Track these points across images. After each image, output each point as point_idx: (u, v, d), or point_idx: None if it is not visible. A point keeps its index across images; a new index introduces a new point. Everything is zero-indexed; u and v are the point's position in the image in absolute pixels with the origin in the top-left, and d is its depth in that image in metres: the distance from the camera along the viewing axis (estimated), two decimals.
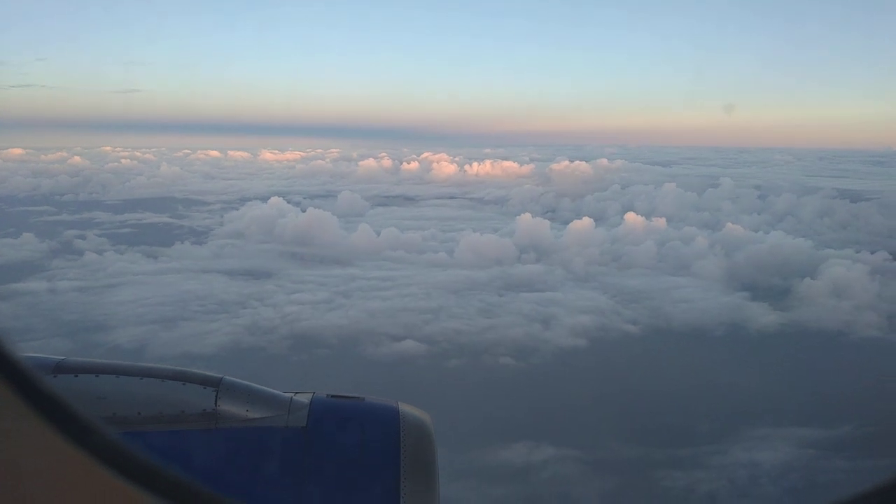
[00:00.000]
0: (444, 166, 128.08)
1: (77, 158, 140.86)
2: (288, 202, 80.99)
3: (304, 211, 71.49)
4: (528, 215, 57.55)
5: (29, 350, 1.96)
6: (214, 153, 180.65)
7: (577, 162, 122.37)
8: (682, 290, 41.32)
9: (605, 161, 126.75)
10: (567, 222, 68.81)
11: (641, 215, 77.27)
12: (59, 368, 2.15)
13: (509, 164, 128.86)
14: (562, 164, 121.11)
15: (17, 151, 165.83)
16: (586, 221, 55.93)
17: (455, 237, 56.58)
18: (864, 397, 30.41)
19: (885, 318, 38.87)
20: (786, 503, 23.38)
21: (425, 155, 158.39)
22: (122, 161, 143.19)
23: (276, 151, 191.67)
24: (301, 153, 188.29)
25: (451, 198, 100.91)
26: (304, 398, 2.29)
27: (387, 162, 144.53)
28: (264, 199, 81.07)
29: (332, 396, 2.33)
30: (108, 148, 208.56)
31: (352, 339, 30.84)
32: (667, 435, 27.19)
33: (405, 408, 2.32)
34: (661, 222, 59.42)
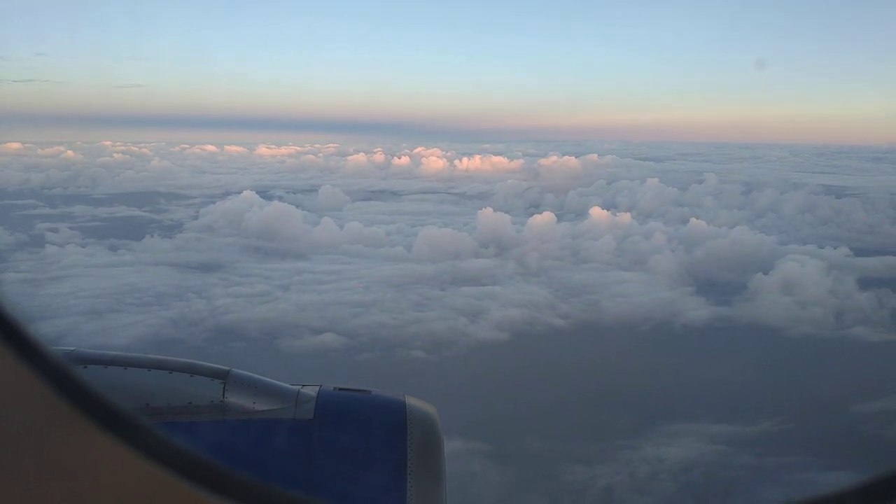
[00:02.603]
0: (433, 161, 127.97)
1: (70, 153, 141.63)
2: (266, 197, 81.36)
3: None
4: (489, 209, 57.41)
5: None
6: (211, 148, 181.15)
7: (565, 157, 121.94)
8: (628, 284, 41.07)
9: (594, 156, 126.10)
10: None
11: (623, 210, 77.32)
12: (68, 360, 2.09)
13: (498, 160, 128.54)
14: (550, 160, 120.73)
15: (15, 146, 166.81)
16: (547, 216, 55.72)
17: (420, 232, 56.50)
18: (786, 394, 30.16)
19: (829, 314, 38.53)
20: (679, 499, 23.20)
21: (418, 150, 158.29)
22: (115, 155, 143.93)
23: (273, 146, 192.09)
24: (297, 148, 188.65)
25: (434, 192, 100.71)
26: (311, 391, 2.30)
27: (379, 157, 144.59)
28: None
29: (339, 389, 2.34)
30: (108, 142, 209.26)
31: (272, 332, 30.87)
32: (579, 429, 27.05)
33: (412, 401, 2.33)
34: (625, 217, 59.08)
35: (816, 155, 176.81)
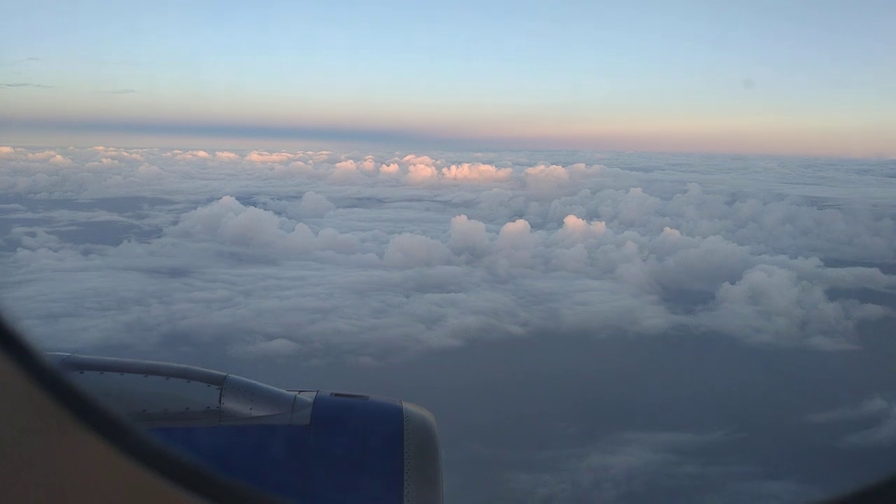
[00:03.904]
0: (421, 169, 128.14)
1: (59, 157, 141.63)
2: (250, 203, 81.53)
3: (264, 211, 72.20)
4: (463, 217, 57.39)
5: None
6: (202, 154, 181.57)
7: (552, 166, 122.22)
8: (592, 293, 41.00)
9: (581, 166, 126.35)
10: (535, 226, 68.99)
11: (605, 219, 77.63)
12: (65, 365, 2.16)
13: (486, 168, 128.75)
14: (537, 169, 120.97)
15: (5, 150, 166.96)
16: (521, 224, 55.73)
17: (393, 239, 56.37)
18: (741, 403, 30.11)
19: (792, 324, 38.51)
20: None
21: (408, 157, 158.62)
22: (104, 160, 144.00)
23: (265, 153, 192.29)
24: (289, 155, 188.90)
25: (419, 200, 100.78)
26: (308, 396, 2.30)
27: (369, 164, 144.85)
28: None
29: (336, 395, 2.34)
30: (100, 147, 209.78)
31: (225, 338, 30.78)
32: (527, 437, 26.94)
33: (409, 406, 2.33)
34: (600, 226, 59.14)
35: (805, 167, 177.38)
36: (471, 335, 32.52)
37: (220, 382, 2.22)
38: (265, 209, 79.37)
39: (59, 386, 1.23)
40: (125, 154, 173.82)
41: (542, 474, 24.59)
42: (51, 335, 30.38)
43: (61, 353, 2.17)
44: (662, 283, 46.43)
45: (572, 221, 58.86)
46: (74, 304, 35.34)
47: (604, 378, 30.52)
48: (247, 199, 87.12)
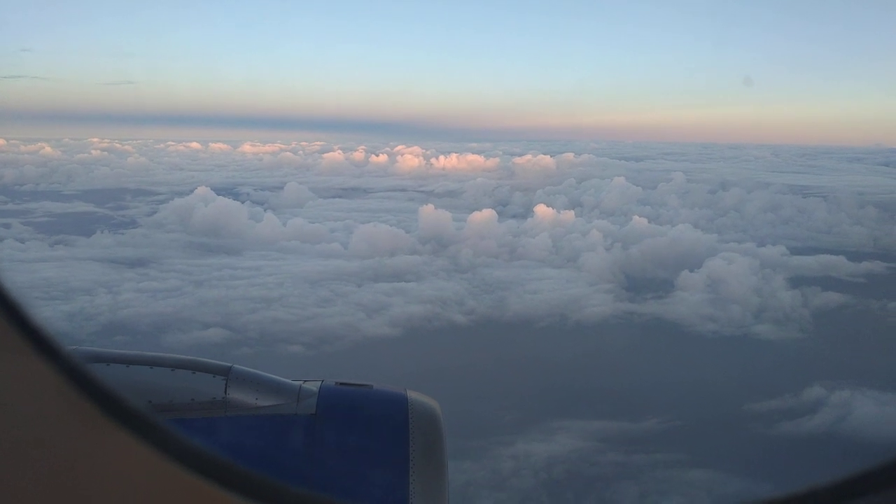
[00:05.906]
0: (409, 159, 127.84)
1: (48, 149, 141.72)
2: (233, 194, 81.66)
3: (242, 202, 72.53)
4: (430, 206, 57.20)
5: None
6: (195, 145, 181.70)
7: (540, 156, 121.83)
8: (547, 281, 40.82)
9: (570, 156, 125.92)
10: (516, 215, 68.94)
11: (587, 209, 77.45)
12: None
13: (474, 158, 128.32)
14: (524, 158, 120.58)
15: None
16: (487, 213, 55.52)
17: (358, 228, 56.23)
18: (681, 391, 29.95)
19: (745, 312, 38.30)
20: (533, 496, 23.02)
21: (399, 148, 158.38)
22: (93, 152, 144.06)
23: (258, 143, 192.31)
24: (282, 145, 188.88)
25: (403, 190, 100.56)
26: (313, 386, 2.33)
27: (359, 154, 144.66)
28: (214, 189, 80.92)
29: (341, 384, 2.37)
30: (95, 139, 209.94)
31: (162, 326, 30.78)
32: (455, 427, 26.86)
33: (414, 395, 2.36)
34: (569, 215, 58.92)
35: (799, 155, 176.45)
36: (412, 324, 32.44)
37: (225, 373, 2.23)
38: (247, 200, 79.60)
39: (84, 378, 1.23)
40: (117, 146, 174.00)
41: (464, 462, 24.51)
42: None
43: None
44: (625, 271, 46.18)
45: (542, 210, 58.65)
46: (21, 294, 35.29)
47: (542, 366, 30.41)
48: (229, 190, 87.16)
